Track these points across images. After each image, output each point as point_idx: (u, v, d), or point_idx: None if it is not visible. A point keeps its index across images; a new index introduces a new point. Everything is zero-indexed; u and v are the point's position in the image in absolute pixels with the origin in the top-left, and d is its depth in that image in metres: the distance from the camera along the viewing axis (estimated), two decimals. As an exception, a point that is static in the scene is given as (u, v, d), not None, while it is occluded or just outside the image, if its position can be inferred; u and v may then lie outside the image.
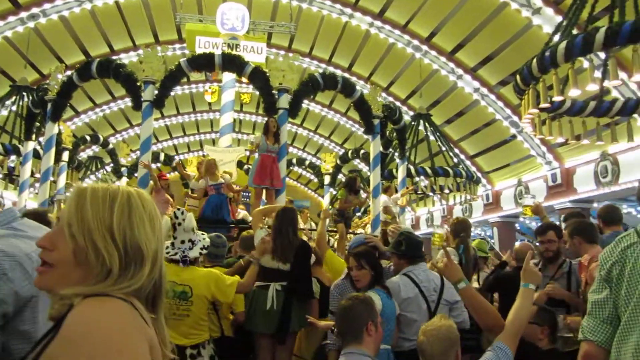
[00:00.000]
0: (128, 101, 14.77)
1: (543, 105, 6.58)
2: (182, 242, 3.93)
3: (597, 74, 7.55)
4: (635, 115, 8.06)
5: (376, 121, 9.04)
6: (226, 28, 10.98)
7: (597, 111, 7.27)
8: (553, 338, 3.36)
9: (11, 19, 13.41)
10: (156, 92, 8.16)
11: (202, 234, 4.17)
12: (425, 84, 16.74)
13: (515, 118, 15.13)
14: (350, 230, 9.48)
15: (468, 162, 17.61)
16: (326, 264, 5.05)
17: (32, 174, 10.56)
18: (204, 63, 8.28)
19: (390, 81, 18.08)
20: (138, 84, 8.17)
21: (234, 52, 9.36)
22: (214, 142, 22.00)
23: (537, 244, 4.65)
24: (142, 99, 8.13)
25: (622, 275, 1.94)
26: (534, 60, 6.35)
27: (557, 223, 14.68)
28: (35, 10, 13.58)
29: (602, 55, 7.29)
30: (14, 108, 12.45)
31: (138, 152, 10.46)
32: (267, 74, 8.15)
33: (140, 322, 1.11)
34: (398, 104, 17.10)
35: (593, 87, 6.78)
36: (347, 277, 4.10)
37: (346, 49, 17.38)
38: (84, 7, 14.16)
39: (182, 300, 3.78)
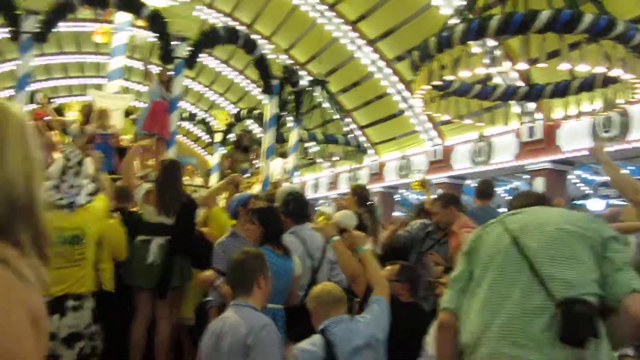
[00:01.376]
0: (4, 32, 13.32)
1: (435, 83, 6.90)
2: (71, 187, 3.72)
3: (486, 60, 8.07)
4: (512, 102, 8.72)
5: (275, 82, 8.97)
6: (123, -35, 10.23)
7: (481, 94, 7.78)
8: (413, 293, 3.68)
9: None
10: (39, 24, 7.42)
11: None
12: (325, 51, 16.82)
13: (406, 94, 15.74)
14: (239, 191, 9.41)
15: (359, 132, 18.15)
16: (213, 220, 4.98)
17: None
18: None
19: (290, 44, 17.96)
20: (18, 12, 7.37)
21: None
22: (100, 87, 20.56)
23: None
24: (22, 31, 7.35)
25: (477, 249, 2.14)
26: (432, 39, 6.61)
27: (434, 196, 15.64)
28: None
29: (492, 42, 7.78)
30: None
31: (12, 91, 9.54)
32: (166, 20, 7.74)
33: (19, 292, 0.86)
34: (297, 67, 17.09)
35: (482, 71, 7.23)
36: (232, 235, 4.10)
37: (249, 4, 16.95)
38: None
39: (75, 245, 3.64)
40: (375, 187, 19.34)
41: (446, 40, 6.39)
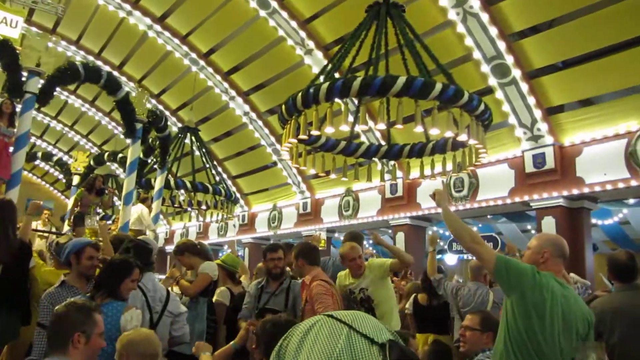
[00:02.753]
0: None
1: (301, 136, 7.01)
2: None
3: (351, 118, 8.41)
4: (375, 159, 9.13)
5: (139, 125, 8.58)
6: (-26, -11, 9.43)
7: (346, 150, 8.03)
8: None
9: None
10: None
11: None
12: (198, 99, 16.65)
13: (279, 146, 15.94)
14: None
15: (229, 182, 17.94)
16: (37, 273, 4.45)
17: None
18: None
19: (162, 89, 17.59)
20: None
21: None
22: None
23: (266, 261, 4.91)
24: None
25: None
26: (300, 94, 6.75)
27: (300, 241, 15.75)
28: None
29: (356, 102, 8.13)
30: None
31: None
32: (18, 51, 7.12)
33: None
34: (168, 113, 16.69)
35: (345, 128, 7.48)
36: (61, 286, 3.71)
37: (119, 46, 16.41)
38: None
39: None
40: (245, 238, 19.11)
41: (312, 96, 6.56)
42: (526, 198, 11.03)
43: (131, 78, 16.99)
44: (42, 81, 7.17)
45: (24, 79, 7.02)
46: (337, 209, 15.53)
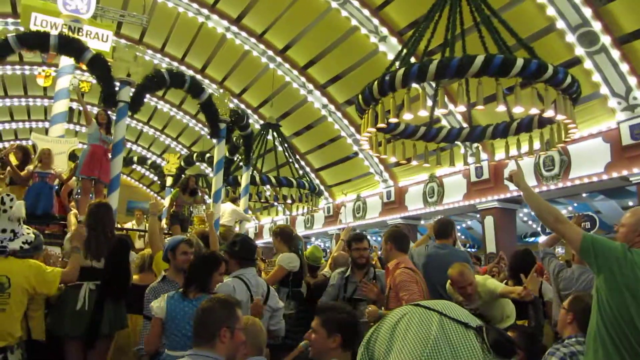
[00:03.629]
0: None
1: (380, 125, 6.99)
2: (4, 231, 3.56)
3: (429, 102, 8.27)
4: (458, 143, 8.92)
5: (222, 125, 8.90)
6: (68, 9, 10.17)
7: (426, 136, 7.92)
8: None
9: None
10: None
11: (28, 228, 3.79)
12: (277, 95, 17.00)
13: (359, 137, 15.97)
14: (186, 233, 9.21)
15: (313, 175, 18.21)
16: (155, 265, 4.80)
17: None
18: (36, 42, 7.48)
19: (243, 88, 18.09)
20: (-50, 55, 7.15)
21: (74, 36, 8.65)
22: (47, 131, 20.09)
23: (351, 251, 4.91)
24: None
25: None
26: (375, 82, 6.73)
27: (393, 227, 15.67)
28: None
29: (434, 86, 7.98)
30: None
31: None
32: (109, 63, 7.62)
33: None
34: (249, 111, 17.18)
35: (424, 114, 7.37)
36: (163, 280, 3.95)
37: (200, 50, 17.06)
38: None
39: None
40: (331, 229, 19.33)
41: (388, 83, 6.52)
42: (625, 173, 10.34)
43: (213, 80, 17.62)
44: (132, 90, 7.62)
45: (116, 89, 7.50)
46: (421, 195, 15.33)
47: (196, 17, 15.27)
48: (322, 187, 18.03)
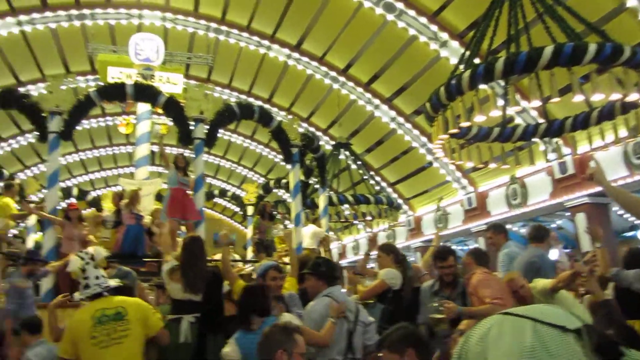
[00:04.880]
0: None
1: (452, 131, 6.86)
2: (97, 277, 3.84)
3: (500, 102, 8.02)
4: (537, 140, 8.58)
5: (295, 150, 9.08)
6: (140, 59, 10.81)
7: (501, 137, 7.67)
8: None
9: None
10: (63, 123, 7.78)
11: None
12: (344, 114, 17.11)
13: (431, 146, 15.72)
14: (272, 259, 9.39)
15: (389, 190, 18.09)
16: (234, 294, 4.90)
17: None
18: (114, 93, 8.02)
19: (310, 111, 18.36)
20: (43, 114, 7.76)
21: (147, 82, 9.17)
22: (132, 175, 21.27)
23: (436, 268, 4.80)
24: (48, 131, 7.72)
25: None
26: (442, 88, 6.64)
27: (476, 245, 15.10)
28: None
29: (503, 84, 7.74)
30: None
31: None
32: (182, 104, 8.02)
33: None
34: (319, 133, 17.39)
35: (496, 114, 7.16)
36: None
37: (265, 80, 17.52)
38: (-14, 38, 13.48)
39: (118, 321, 3.65)
40: (414, 243, 19.03)
41: (455, 87, 6.41)
42: None
43: (281, 107, 18.02)
44: (206, 126, 7.95)
45: (191, 127, 7.85)
46: (504, 199, 14.77)
47: (257, 50, 15.75)
48: (400, 201, 17.84)
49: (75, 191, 13.74)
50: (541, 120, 9.44)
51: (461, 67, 7.28)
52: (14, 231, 11.86)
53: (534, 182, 13.73)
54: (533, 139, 8.00)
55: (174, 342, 4.21)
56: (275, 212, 9.97)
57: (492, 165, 8.22)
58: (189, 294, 4.35)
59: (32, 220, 13.06)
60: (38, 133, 7.89)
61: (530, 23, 6.81)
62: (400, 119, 16.14)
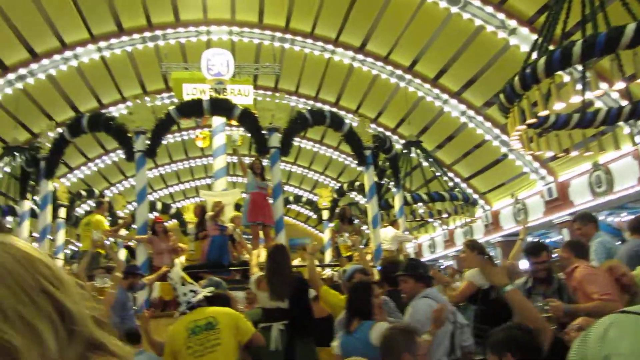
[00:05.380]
0: (120, 153, 14.83)
1: (529, 121, 6.67)
2: (185, 294, 4.04)
3: (579, 86, 7.70)
4: (621, 124, 8.17)
5: (367, 152, 9.11)
6: (212, 73, 11.19)
7: (582, 123, 7.36)
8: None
9: (-1, 82, 13.64)
10: (148, 141, 8.23)
11: (192, 283, 4.24)
12: (413, 112, 16.95)
13: (505, 137, 15.28)
14: (353, 262, 9.45)
15: (463, 185, 17.72)
16: (322, 300, 4.96)
17: (30, 234, 10.52)
18: (192, 109, 8.39)
19: (378, 112, 18.32)
20: (129, 135, 8.24)
21: (221, 96, 9.50)
22: (209, 187, 22.04)
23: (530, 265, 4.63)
24: (135, 150, 8.19)
25: None
26: (516, 78, 6.47)
27: (560, 237, 14.47)
28: (22, 71, 13.81)
29: (581, 68, 7.43)
30: (7, 169, 12.53)
31: (135, 204, 10.50)
32: (256, 115, 8.26)
33: None
34: (388, 133, 17.30)
35: (576, 99, 6.89)
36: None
37: (332, 84, 17.66)
38: (71, 65, 14.42)
39: (210, 331, 3.82)
40: (494, 238, 18.53)
41: (530, 75, 6.23)
42: None
43: (349, 110, 18.08)
44: (279, 135, 8.14)
45: (265, 137, 8.07)
46: (587, 187, 14.10)
47: (322, 55, 15.91)
48: (475, 196, 17.44)
49: (159, 205, 14.41)
50: (625, 103, 8.97)
51: (534, 54, 7.06)
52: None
53: (619, 168, 13.02)
54: (617, 123, 7.62)
55: (265, 350, 4.34)
56: (353, 217, 10.01)
57: (574, 153, 7.89)
58: (275, 301, 4.47)
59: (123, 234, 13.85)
60: (125, 152, 8.38)
61: (607, 0, 6.50)
62: (471, 112, 15.79)
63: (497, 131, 15.59)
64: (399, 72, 15.78)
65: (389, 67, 15.79)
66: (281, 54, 16.05)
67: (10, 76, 13.72)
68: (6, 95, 13.98)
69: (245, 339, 3.97)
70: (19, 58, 13.74)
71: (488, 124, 15.74)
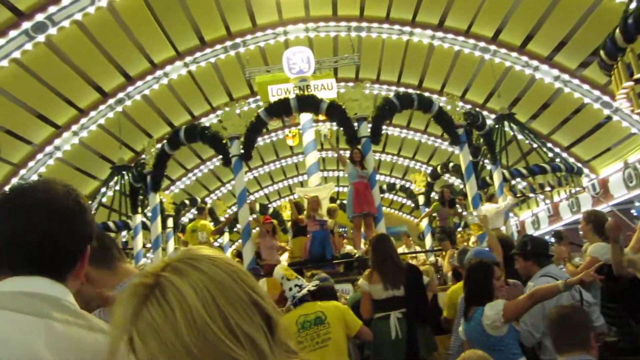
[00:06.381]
0: (216, 161, 15.48)
1: (638, 75, 6.17)
2: (290, 289, 4.07)
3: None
4: None
5: (460, 131, 8.82)
6: (294, 72, 11.32)
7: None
8: None
9: (101, 107, 14.62)
10: (241, 146, 8.49)
11: (297, 277, 4.27)
12: (501, 84, 16.24)
13: (607, 98, 14.29)
14: (456, 246, 9.22)
15: (564, 155, 16.73)
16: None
17: (144, 245, 11.22)
18: (281, 109, 8.55)
19: (464, 89, 17.74)
20: (224, 141, 8.54)
21: (308, 93, 9.60)
22: (302, 184, 22.43)
23: None
24: (230, 155, 8.47)
25: None
26: (617, 30, 6.01)
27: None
28: (120, 95, 14.74)
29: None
30: (117, 187, 13.49)
31: (234, 208, 10.89)
32: (343, 107, 8.26)
33: None
34: (477, 109, 16.72)
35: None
36: None
37: (413, 66, 17.33)
38: (162, 83, 15.20)
39: (319, 325, 3.85)
40: (603, 208, 17.36)
41: (634, 26, 5.75)
42: None
43: (433, 91, 17.64)
44: (369, 124, 8.08)
45: (355, 127, 8.05)
46: None
47: (400, 38, 15.64)
48: (579, 165, 16.43)
49: (257, 207, 14.84)
50: None
51: (633, 3, 6.50)
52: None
53: None
54: None
55: (387, 339, 4.31)
56: (454, 198, 9.74)
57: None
58: (390, 290, 4.43)
59: (226, 238, 14.45)
60: (222, 159, 8.69)
61: None
62: (565, 76, 14.89)
63: (597, 93, 14.60)
64: (482, 44, 15.18)
65: (471, 41, 15.23)
66: (358, 43, 15.95)
67: (110, 101, 14.70)
68: (108, 119, 14.99)
69: (352, 333, 3.97)
70: (117, 83, 14.66)
71: (586, 87, 14.76)
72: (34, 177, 14.04)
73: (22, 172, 13.91)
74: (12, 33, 10.96)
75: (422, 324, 4.37)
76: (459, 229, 11.76)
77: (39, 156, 14.13)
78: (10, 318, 1.00)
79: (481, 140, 10.36)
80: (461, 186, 14.58)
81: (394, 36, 15.62)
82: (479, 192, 11.70)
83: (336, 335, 3.83)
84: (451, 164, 13.24)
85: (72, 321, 1.07)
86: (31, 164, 14.04)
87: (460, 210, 10.45)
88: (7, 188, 1.35)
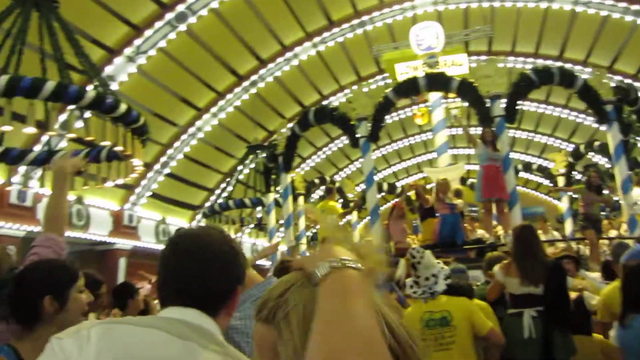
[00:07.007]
0: (345, 139, 15.63)
1: None
2: (427, 279, 3.89)
3: None
4: None
5: (609, 107, 7.98)
6: (422, 48, 11.03)
7: None
8: None
9: (236, 90, 15.40)
10: (369, 126, 8.46)
11: (438, 262, 4.11)
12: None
13: None
14: (603, 235, 8.45)
15: None
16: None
17: (277, 221, 11.73)
18: (409, 88, 8.36)
19: (612, 58, 16.06)
20: (352, 122, 8.58)
21: (435, 71, 9.30)
22: (430, 162, 21.95)
23: None
24: (358, 136, 8.50)
25: None
26: None
27: None
28: (254, 77, 15.42)
29: None
30: (252, 165, 14.28)
31: (362, 185, 10.94)
32: (475, 84, 7.87)
33: None
34: (628, 81, 15.09)
35: None
36: None
37: (552, 36, 16.03)
38: (292, 64, 15.65)
39: (444, 327, 3.69)
40: None
41: None
42: None
43: (575, 62, 16.22)
44: (503, 101, 7.63)
45: (488, 105, 7.65)
46: None
47: (538, 5, 14.49)
48: None
49: (385, 186, 14.80)
50: None
51: None
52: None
53: None
54: None
55: (519, 338, 4.04)
56: (601, 183, 8.89)
57: None
58: (527, 287, 4.14)
59: (354, 217, 14.64)
60: (350, 140, 8.75)
61: None
62: None
63: None
64: (635, 7, 13.57)
65: (622, 4, 13.68)
66: (491, 13, 15.04)
67: (245, 83, 15.43)
68: (244, 101, 15.76)
69: (481, 334, 3.75)
70: (250, 66, 15.32)
71: None
72: (180, 156, 15.32)
73: (170, 151, 15.14)
74: (158, 24, 11.89)
75: (561, 326, 4.04)
76: (603, 213, 10.74)
77: (184, 137, 15.28)
78: (157, 335, 1.19)
79: (633, 116, 9.31)
80: (607, 165, 13.35)
81: (530, 4, 14.51)
82: (629, 174, 10.62)
83: (461, 338, 3.65)
84: (597, 143, 12.09)
85: (213, 349, 1.21)
86: (177, 144, 15.23)
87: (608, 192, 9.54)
88: (175, 231, 1.61)
